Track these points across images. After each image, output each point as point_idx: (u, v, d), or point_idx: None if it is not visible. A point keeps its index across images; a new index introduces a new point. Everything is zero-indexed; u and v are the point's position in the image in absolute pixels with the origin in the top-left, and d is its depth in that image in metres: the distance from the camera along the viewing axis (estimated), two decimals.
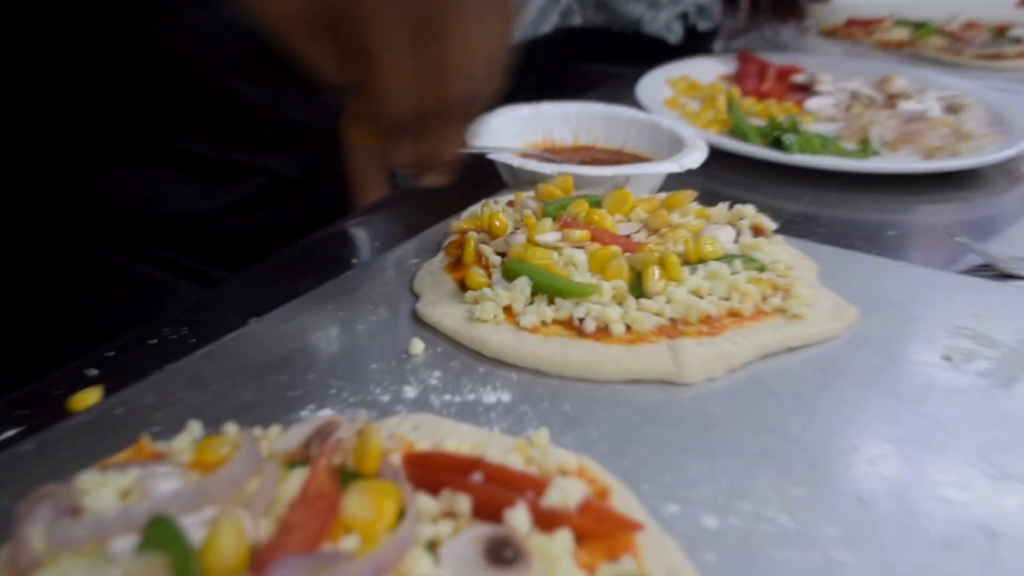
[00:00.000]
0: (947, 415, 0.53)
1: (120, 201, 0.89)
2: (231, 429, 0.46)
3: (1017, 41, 1.58)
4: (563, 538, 0.38)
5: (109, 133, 0.88)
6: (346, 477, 0.41)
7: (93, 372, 0.58)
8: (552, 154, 0.91)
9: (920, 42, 1.62)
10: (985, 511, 0.45)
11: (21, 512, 0.40)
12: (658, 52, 1.44)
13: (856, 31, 1.72)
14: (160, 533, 0.36)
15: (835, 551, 0.42)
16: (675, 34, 1.58)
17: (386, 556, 0.36)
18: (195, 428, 0.47)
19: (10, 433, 0.52)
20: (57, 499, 0.41)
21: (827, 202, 0.90)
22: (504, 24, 0.52)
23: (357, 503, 0.39)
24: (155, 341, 0.61)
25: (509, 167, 0.83)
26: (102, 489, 0.41)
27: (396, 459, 0.43)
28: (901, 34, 1.66)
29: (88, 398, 0.54)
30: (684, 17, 1.58)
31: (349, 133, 0.59)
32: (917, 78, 1.28)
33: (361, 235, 0.80)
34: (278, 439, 0.45)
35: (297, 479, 0.41)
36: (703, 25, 1.60)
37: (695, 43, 1.59)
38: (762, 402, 0.54)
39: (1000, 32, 1.62)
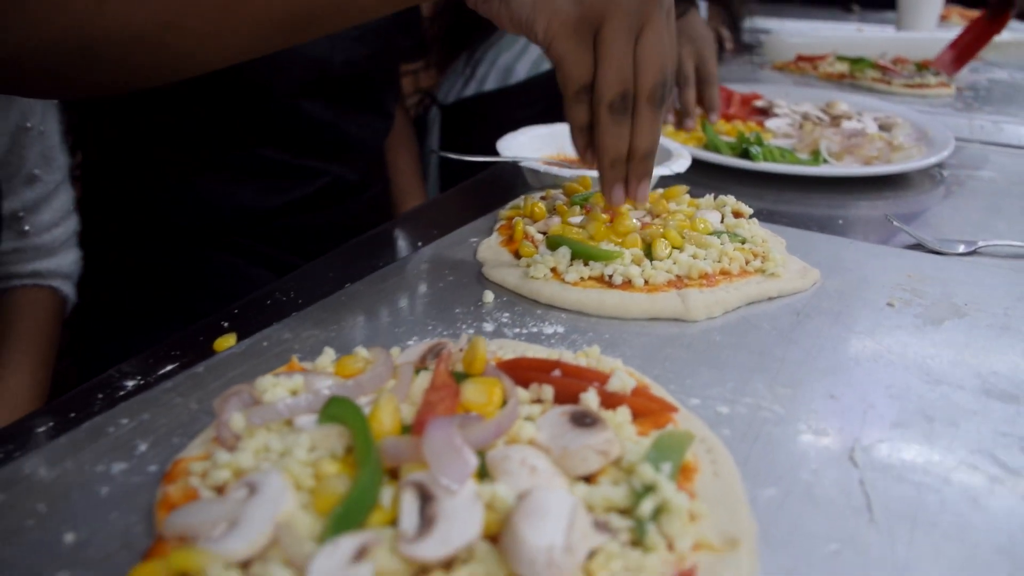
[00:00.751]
0: (891, 342, 0.63)
1: (211, 198, 0.97)
2: (361, 350, 0.54)
3: (936, 73, 1.70)
4: (623, 412, 0.48)
5: (204, 143, 0.96)
6: (459, 377, 0.50)
7: (224, 324, 0.66)
8: (565, 162, 1.01)
9: (857, 74, 1.71)
10: (923, 403, 0.55)
11: (218, 405, 0.49)
12: None
13: (804, 65, 1.82)
14: (338, 408, 0.45)
15: (816, 427, 0.52)
16: None
17: (504, 421, 0.45)
18: (330, 352, 0.55)
19: (169, 367, 0.60)
20: (242, 396, 0.49)
21: (786, 200, 0.99)
22: (673, 32, 0.61)
23: (473, 391, 0.48)
24: (270, 302, 0.69)
25: (535, 172, 0.92)
26: (276, 388, 0.49)
27: (493, 364, 0.52)
28: (841, 67, 1.76)
29: (227, 342, 0.61)
30: None
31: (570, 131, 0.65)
32: (856, 103, 1.37)
33: (418, 226, 0.88)
34: (399, 356, 0.54)
35: (423, 379, 0.50)
36: None
37: None
38: (751, 333, 0.63)
39: (923, 66, 1.73)
